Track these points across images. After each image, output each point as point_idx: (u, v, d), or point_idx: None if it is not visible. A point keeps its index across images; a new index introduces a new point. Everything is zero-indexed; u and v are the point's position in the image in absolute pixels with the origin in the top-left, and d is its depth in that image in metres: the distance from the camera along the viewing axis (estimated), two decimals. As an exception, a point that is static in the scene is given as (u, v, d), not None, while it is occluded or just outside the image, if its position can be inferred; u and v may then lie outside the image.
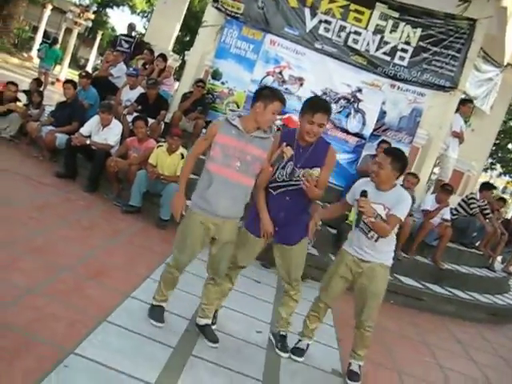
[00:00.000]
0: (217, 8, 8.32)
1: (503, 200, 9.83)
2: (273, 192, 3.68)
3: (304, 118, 3.54)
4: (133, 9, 42.68)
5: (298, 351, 3.96)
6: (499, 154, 36.68)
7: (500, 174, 44.24)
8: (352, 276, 3.79)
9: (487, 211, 8.71)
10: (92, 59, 30.33)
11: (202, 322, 3.76)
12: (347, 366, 3.95)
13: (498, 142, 33.63)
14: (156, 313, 3.72)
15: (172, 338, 3.56)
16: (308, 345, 4.05)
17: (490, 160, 38.12)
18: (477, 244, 8.84)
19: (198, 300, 3.86)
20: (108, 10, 45.38)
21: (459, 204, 8.74)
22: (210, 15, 8.43)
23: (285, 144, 3.46)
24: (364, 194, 3.52)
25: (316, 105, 3.55)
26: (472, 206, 8.56)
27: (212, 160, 3.42)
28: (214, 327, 3.86)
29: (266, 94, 3.37)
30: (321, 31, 8.18)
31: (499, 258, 10.15)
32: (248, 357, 3.72)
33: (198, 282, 4.03)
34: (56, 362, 2.82)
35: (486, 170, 41.57)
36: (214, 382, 3.23)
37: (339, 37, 8.15)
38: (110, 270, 4.40)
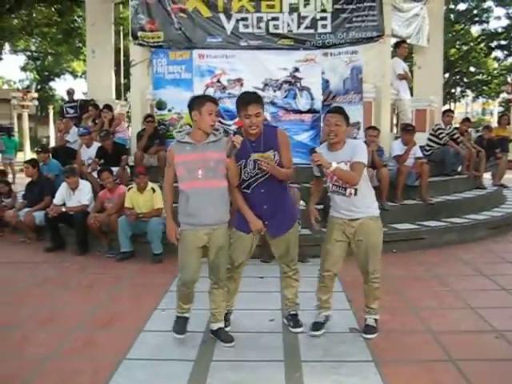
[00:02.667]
0: (139, 44, 8.56)
1: (468, 120, 10.04)
2: (248, 191, 3.86)
3: (241, 116, 3.71)
4: (74, 74, 43.04)
5: (316, 325, 4.09)
6: (465, 80, 37.07)
7: (474, 99, 44.63)
8: (347, 237, 3.93)
9: (456, 135, 8.93)
10: (52, 135, 30.49)
11: (215, 326, 3.97)
12: (363, 322, 4.11)
13: (458, 69, 34.10)
14: (178, 324, 3.97)
15: (190, 352, 3.74)
16: (327, 316, 4.17)
17: (459, 89, 38.57)
18: (459, 169, 9.06)
19: (207, 314, 4.06)
20: (51, 84, 45.80)
21: (429, 138, 8.96)
22: (136, 52, 8.67)
23: (232, 134, 3.66)
24: (313, 151, 3.69)
25: (245, 99, 3.73)
26: (441, 135, 8.78)
27: (181, 180, 3.70)
28: (227, 329, 4.06)
29: (196, 102, 3.64)
30: (241, 29, 8.42)
31: (488, 175, 10.36)
32: (266, 344, 3.89)
33: (202, 298, 4.18)
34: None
35: (459, 99, 42.05)
36: (240, 376, 3.39)
37: (260, 28, 8.39)
38: (118, 315, 4.57)
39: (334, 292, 4.53)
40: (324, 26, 8.32)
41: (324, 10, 8.28)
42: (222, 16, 8.38)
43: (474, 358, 3.64)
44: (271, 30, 8.39)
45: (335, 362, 3.59)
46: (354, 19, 8.24)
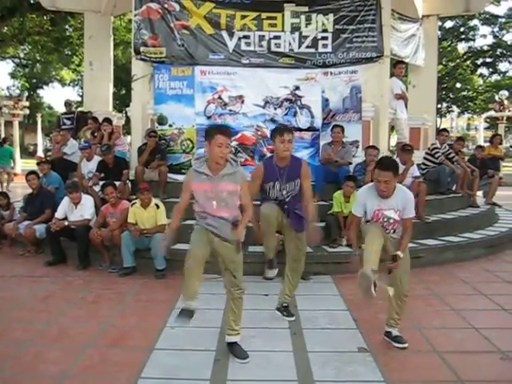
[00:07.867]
0: (142, 59, 8.65)
1: (462, 139, 10.25)
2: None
3: (277, 141, 4.49)
4: (62, 82, 42.94)
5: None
6: (451, 96, 37.65)
7: (459, 114, 45.35)
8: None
9: (452, 155, 9.11)
10: (40, 142, 30.38)
11: (230, 339, 4.06)
12: (385, 335, 4.37)
13: (445, 85, 34.62)
14: (181, 316, 4.01)
15: (205, 371, 3.78)
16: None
17: (445, 104, 39.16)
18: (454, 188, 9.22)
19: (218, 331, 4.12)
20: (39, 91, 45.66)
21: (424, 157, 9.12)
22: (138, 67, 8.75)
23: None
24: (395, 258, 4.02)
25: (281, 128, 4.69)
26: (436, 155, 8.95)
27: (197, 202, 3.89)
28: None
29: (208, 133, 3.81)
30: (243, 47, 8.57)
31: (480, 193, 10.54)
32: (279, 364, 3.94)
33: (216, 316, 4.24)
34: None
35: (444, 115, 42.64)
36: (256, 396, 3.46)
37: (261, 46, 8.56)
38: (128, 332, 4.60)
39: (338, 311, 4.64)
40: (325, 46, 8.51)
41: (325, 30, 8.48)
42: (225, 33, 8.52)
43: (481, 379, 3.73)
44: (273, 48, 8.55)
45: (348, 381, 3.67)
46: (354, 39, 8.45)
